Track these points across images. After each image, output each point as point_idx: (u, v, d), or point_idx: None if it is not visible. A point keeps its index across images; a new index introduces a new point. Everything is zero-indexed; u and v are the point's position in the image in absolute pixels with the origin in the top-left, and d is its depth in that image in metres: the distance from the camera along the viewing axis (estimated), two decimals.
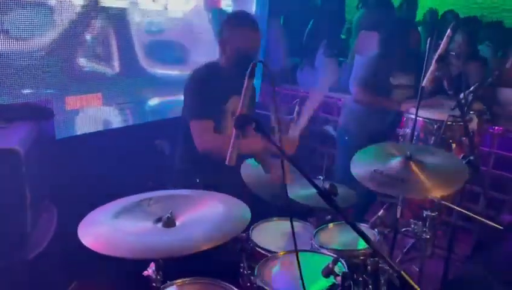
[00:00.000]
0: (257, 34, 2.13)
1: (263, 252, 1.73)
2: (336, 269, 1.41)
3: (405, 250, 2.77)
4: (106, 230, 1.26)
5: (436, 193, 1.79)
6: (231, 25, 2.16)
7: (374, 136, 2.93)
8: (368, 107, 2.97)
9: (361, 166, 1.82)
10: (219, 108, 2.14)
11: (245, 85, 1.27)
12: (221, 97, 2.13)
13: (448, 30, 1.85)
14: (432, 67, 1.81)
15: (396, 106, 2.88)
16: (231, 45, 2.12)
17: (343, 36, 4.94)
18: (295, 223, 1.99)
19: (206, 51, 3.35)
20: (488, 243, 2.56)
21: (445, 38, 1.83)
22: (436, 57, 1.80)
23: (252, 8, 3.74)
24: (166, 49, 3.14)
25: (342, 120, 3.23)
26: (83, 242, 1.18)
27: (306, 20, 4.43)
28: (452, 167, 1.83)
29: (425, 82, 1.84)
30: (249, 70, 1.27)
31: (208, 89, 2.08)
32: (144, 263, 1.39)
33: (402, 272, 0.97)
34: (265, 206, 2.12)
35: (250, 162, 2.33)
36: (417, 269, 2.15)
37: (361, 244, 1.70)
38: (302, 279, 1.26)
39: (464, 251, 2.84)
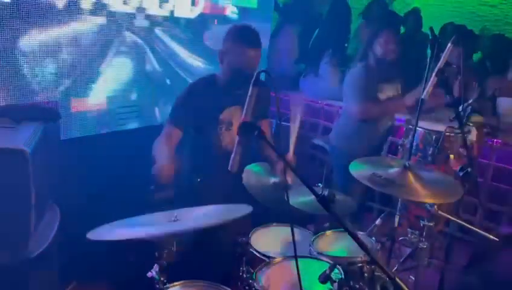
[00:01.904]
0: (256, 52, 2.06)
1: (262, 257, 1.75)
2: (333, 275, 1.43)
3: (402, 259, 2.78)
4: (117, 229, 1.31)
5: (431, 200, 1.83)
6: (232, 39, 2.10)
7: (365, 152, 2.90)
8: (357, 126, 2.84)
9: (360, 169, 1.87)
10: (211, 119, 2.15)
11: (249, 93, 1.31)
12: (214, 108, 2.14)
13: (449, 44, 1.89)
14: (431, 80, 1.85)
15: (402, 105, 2.76)
16: (228, 58, 2.09)
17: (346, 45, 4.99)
18: (294, 230, 2.03)
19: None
20: (485, 254, 2.58)
21: (445, 52, 1.87)
22: (436, 70, 1.84)
23: (257, 15, 3.78)
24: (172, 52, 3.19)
25: (333, 141, 3.08)
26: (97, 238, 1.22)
27: (312, 28, 4.47)
28: (447, 182, 1.87)
29: (425, 94, 1.87)
30: (253, 78, 1.31)
31: (195, 102, 2.11)
32: (146, 266, 1.42)
33: (397, 279, 1.00)
34: (265, 211, 2.15)
35: (250, 167, 2.36)
36: (413, 279, 2.17)
37: (359, 252, 1.73)
38: (300, 284, 1.28)
39: (461, 261, 2.85)
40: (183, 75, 3.30)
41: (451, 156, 2.67)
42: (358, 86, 2.80)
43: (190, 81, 2.61)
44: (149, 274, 1.35)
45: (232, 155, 1.32)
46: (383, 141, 3.08)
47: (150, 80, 3.07)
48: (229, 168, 1.34)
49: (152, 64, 3.07)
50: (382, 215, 1.81)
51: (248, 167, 2.27)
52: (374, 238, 1.80)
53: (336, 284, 1.44)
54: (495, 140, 3.25)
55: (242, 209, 1.40)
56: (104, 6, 2.66)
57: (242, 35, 2.10)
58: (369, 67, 2.81)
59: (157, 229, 1.27)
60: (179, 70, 3.27)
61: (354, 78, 2.86)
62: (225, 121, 2.18)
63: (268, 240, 1.94)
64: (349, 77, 2.92)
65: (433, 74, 1.85)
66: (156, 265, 1.36)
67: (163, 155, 1.93)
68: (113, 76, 2.82)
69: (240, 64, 2.02)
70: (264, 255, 1.77)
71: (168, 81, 3.20)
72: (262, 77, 1.47)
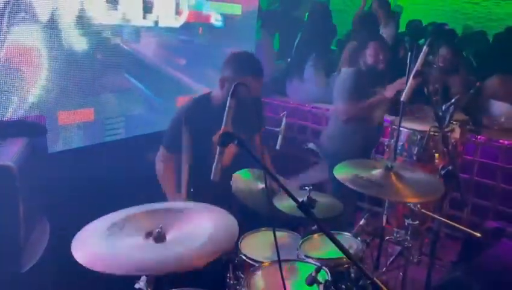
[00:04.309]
0: (259, 82, 2.05)
1: (251, 262, 1.78)
2: (319, 277, 1.46)
3: (392, 258, 2.83)
4: (98, 247, 1.29)
5: (413, 200, 1.87)
6: (235, 69, 2.07)
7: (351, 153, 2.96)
8: (342, 127, 2.93)
9: (343, 171, 1.92)
10: (207, 141, 2.14)
11: (228, 104, 1.34)
12: (209, 130, 2.11)
13: (425, 46, 1.94)
14: (409, 83, 1.89)
15: (383, 98, 2.84)
16: (230, 86, 2.08)
17: (333, 47, 5.04)
18: (283, 233, 2.06)
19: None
20: (474, 250, 2.62)
21: (421, 54, 1.92)
22: (413, 72, 1.89)
23: (242, 22, 3.82)
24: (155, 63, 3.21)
25: (323, 143, 3.17)
26: (77, 259, 1.21)
27: (295, 33, 4.52)
28: (428, 181, 1.92)
29: (404, 97, 1.91)
30: (231, 90, 1.34)
31: (190, 126, 2.14)
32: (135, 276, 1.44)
33: (375, 279, 1.04)
34: (255, 216, 2.17)
35: (239, 173, 2.39)
36: (401, 274, 2.21)
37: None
38: (285, 288, 1.31)
39: (450, 257, 2.90)
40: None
41: (436, 154, 2.73)
42: (348, 87, 2.88)
43: None
44: (136, 285, 1.36)
45: (214, 165, 1.35)
46: (373, 142, 3.13)
47: (138, 90, 3.09)
48: (211, 177, 1.36)
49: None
50: (366, 215, 1.84)
51: (237, 173, 2.30)
52: (359, 238, 1.83)
53: (322, 286, 1.47)
54: (479, 136, 3.30)
55: (228, 230, 1.40)
56: (89, 18, 2.68)
57: (244, 64, 2.07)
58: (360, 72, 2.91)
59: (132, 259, 1.24)
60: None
61: (343, 80, 2.96)
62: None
63: (257, 245, 1.96)
64: (339, 79, 3.02)
65: (411, 76, 1.89)
66: (143, 276, 1.38)
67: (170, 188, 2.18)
68: (100, 88, 2.84)
69: (243, 93, 1.95)
70: (253, 260, 1.79)
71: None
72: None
